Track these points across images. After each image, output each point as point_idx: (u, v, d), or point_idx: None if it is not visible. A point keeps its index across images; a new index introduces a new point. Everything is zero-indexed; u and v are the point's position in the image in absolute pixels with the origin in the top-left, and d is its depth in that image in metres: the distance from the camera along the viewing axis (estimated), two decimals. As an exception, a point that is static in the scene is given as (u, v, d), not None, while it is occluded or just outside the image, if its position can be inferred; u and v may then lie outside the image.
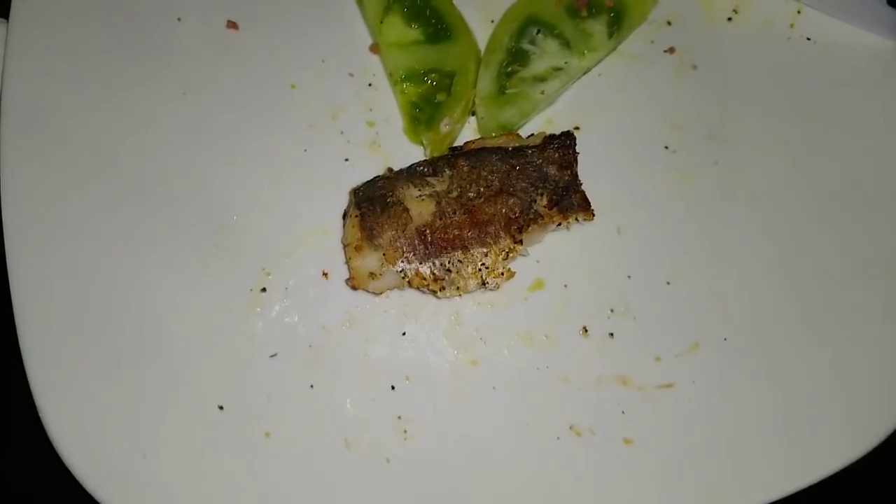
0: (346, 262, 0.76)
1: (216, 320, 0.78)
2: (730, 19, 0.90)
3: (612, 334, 0.80)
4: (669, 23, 0.89)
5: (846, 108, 0.87)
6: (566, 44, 0.84)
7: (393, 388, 0.77)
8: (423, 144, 0.82)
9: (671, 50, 0.88)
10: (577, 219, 0.77)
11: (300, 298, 0.79)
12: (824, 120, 0.87)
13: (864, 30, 0.88)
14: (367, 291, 0.76)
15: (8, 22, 0.81)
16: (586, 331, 0.80)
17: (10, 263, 0.75)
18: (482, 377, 0.78)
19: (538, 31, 0.84)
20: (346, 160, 0.83)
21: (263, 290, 0.79)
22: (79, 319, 0.76)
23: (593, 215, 0.77)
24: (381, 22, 0.83)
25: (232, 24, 0.85)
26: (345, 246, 0.76)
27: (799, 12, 0.90)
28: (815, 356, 0.80)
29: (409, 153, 0.83)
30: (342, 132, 0.83)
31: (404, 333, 0.79)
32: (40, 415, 0.73)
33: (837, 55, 0.89)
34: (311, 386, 0.77)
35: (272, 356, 0.77)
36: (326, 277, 0.79)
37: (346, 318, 0.79)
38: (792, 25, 0.90)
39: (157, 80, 0.83)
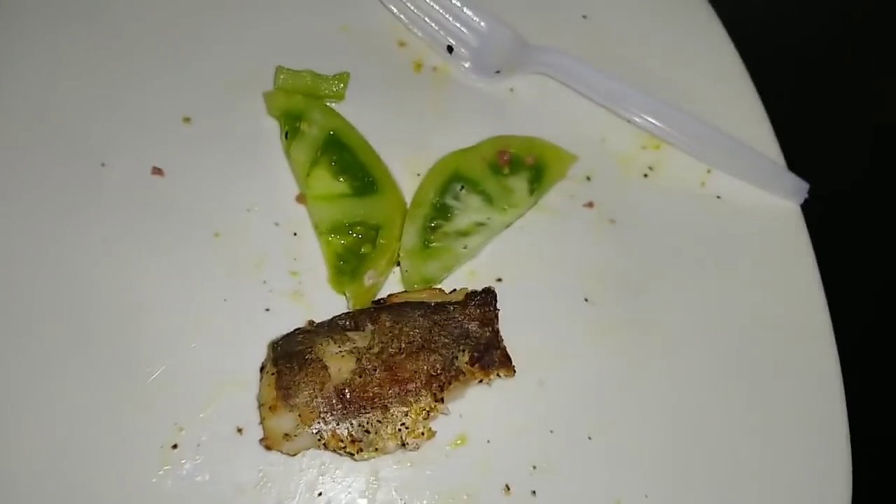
0: (261, 422, 0.74)
1: (124, 480, 0.73)
2: (645, 175, 0.95)
3: (534, 492, 0.79)
4: (588, 178, 0.93)
5: (753, 262, 0.92)
6: (489, 200, 0.87)
7: (307, 553, 0.74)
8: (346, 296, 0.82)
9: (590, 204, 0.92)
10: (498, 375, 0.77)
11: (213, 456, 0.75)
12: (733, 274, 0.91)
13: (766, 191, 0.94)
14: (282, 452, 0.74)
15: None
16: (508, 489, 0.78)
17: None
18: (400, 541, 0.75)
19: (462, 188, 0.86)
20: (267, 310, 0.82)
21: (174, 446, 0.75)
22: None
23: (514, 372, 0.77)
24: (309, 174, 0.85)
25: (157, 171, 0.85)
26: (259, 405, 0.74)
27: (709, 171, 0.96)
28: (736, 513, 0.81)
29: (333, 303, 0.82)
30: (265, 281, 0.83)
31: (320, 494, 0.76)
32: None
33: (744, 213, 0.94)
34: (221, 551, 0.73)
35: (180, 519, 0.73)
36: (241, 433, 0.77)
37: (260, 477, 0.75)
38: (703, 183, 0.95)
39: (76, 225, 0.82)
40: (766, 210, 0.94)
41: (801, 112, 1.08)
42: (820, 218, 0.94)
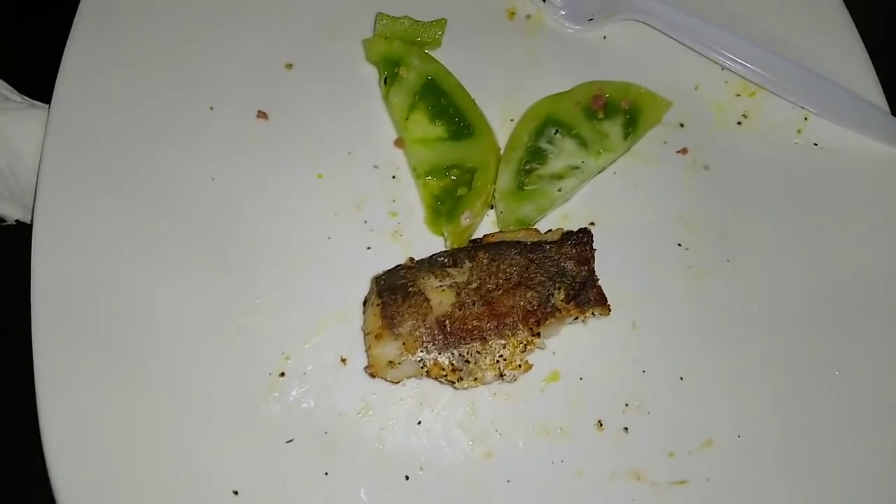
0: (366, 350, 0.77)
1: (234, 403, 0.78)
2: (740, 123, 0.94)
3: (626, 429, 0.80)
4: (682, 125, 0.93)
5: (852, 211, 0.90)
6: (583, 144, 0.87)
7: (407, 478, 0.77)
8: (443, 235, 0.85)
9: (684, 151, 0.92)
10: (593, 313, 0.79)
11: (318, 384, 0.79)
12: (831, 222, 0.90)
13: (868, 138, 0.92)
14: (385, 380, 0.77)
15: (49, 107, 0.85)
16: (601, 424, 0.80)
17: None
18: (496, 469, 0.78)
19: (556, 132, 0.88)
20: (369, 248, 0.85)
21: (282, 374, 0.79)
22: (98, 400, 0.76)
23: (609, 310, 0.79)
24: (407, 119, 0.87)
25: (262, 115, 0.89)
26: (365, 334, 0.77)
27: (806, 119, 0.94)
28: (829, 456, 0.80)
29: (430, 243, 0.85)
30: (366, 221, 0.86)
31: (420, 422, 0.79)
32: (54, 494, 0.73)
33: (843, 161, 0.92)
34: (326, 473, 0.76)
35: (288, 442, 0.77)
36: (344, 363, 0.80)
37: (362, 406, 0.79)
38: (799, 131, 0.94)
39: (187, 165, 0.86)
40: (866, 157, 0.92)
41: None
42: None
